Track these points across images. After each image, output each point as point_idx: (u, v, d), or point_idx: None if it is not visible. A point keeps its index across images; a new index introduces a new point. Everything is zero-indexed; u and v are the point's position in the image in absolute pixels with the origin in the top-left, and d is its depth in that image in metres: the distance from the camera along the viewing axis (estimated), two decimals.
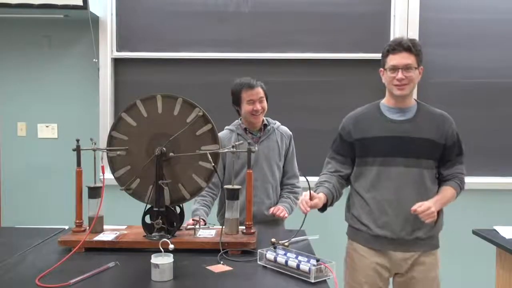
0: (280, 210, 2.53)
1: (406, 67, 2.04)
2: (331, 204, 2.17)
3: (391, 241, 2.11)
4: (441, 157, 2.13)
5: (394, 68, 2.05)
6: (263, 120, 2.64)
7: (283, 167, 2.69)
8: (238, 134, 2.61)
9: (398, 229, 2.10)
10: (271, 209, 2.54)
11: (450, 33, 3.50)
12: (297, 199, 2.59)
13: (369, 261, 2.15)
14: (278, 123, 2.72)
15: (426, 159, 2.10)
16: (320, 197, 2.06)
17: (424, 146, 2.09)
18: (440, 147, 2.10)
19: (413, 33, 3.46)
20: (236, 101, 2.60)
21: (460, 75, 3.52)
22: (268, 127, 2.65)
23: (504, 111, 3.54)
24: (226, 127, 2.67)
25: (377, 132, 2.12)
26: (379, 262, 2.14)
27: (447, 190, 2.12)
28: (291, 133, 2.73)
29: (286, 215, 2.55)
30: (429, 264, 2.16)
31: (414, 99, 2.18)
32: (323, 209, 2.13)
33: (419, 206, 1.98)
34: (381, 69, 2.14)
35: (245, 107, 2.56)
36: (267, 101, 2.61)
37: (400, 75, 2.04)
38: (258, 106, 2.55)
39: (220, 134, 2.54)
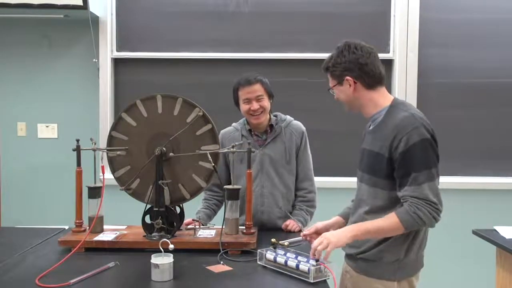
0: (293, 225, 2.31)
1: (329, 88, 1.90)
2: None
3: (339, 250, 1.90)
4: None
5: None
6: (270, 119, 2.41)
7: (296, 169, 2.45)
8: (242, 135, 2.41)
9: None
10: (284, 225, 2.34)
11: (450, 33, 3.50)
12: (312, 207, 2.44)
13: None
14: (289, 119, 2.46)
15: (374, 175, 1.80)
16: (316, 226, 2.04)
17: (370, 160, 1.82)
18: (384, 161, 1.74)
19: (413, 33, 3.46)
20: (235, 99, 2.40)
21: (460, 75, 3.52)
22: (275, 127, 2.40)
23: (504, 111, 3.53)
24: (234, 123, 2.49)
25: (362, 143, 1.96)
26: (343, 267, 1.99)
27: (383, 219, 1.73)
28: (303, 128, 2.46)
29: (298, 228, 2.32)
30: None
31: (393, 101, 1.83)
32: None
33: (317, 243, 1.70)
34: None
35: (242, 107, 2.35)
36: (271, 98, 2.38)
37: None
38: (255, 105, 2.31)
39: (224, 130, 2.48)
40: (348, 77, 1.80)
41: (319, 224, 2.04)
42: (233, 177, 2.24)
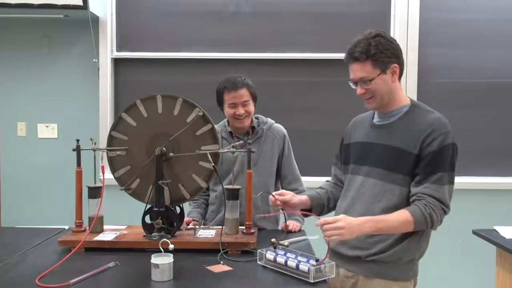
0: (294, 225, 2.30)
1: (362, 80, 1.77)
2: (325, 209, 2.03)
3: (335, 254, 1.89)
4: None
5: (352, 82, 1.84)
6: (251, 121, 2.41)
7: (280, 171, 2.46)
8: (222, 137, 2.40)
9: (340, 242, 1.82)
10: (283, 225, 2.31)
11: (450, 33, 3.50)
12: None
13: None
14: (270, 122, 2.47)
15: (392, 171, 1.76)
16: (293, 194, 1.97)
17: (390, 156, 1.77)
18: (411, 158, 1.73)
19: (413, 33, 3.46)
20: (219, 101, 2.40)
21: (460, 75, 3.52)
22: (257, 129, 2.41)
23: (504, 111, 3.53)
24: (215, 126, 2.45)
25: (358, 137, 1.92)
26: (340, 273, 1.91)
27: (395, 214, 1.70)
28: (285, 131, 2.48)
29: (298, 228, 2.32)
30: None
31: (412, 101, 1.85)
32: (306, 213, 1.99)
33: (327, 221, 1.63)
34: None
35: (227, 110, 2.36)
36: (255, 102, 2.39)
37: (359, 90, 1.81)
38: (241, 111, 2.32)
39: None
40: (395, 64, 1.77)
41: (295, 199, 1.97)
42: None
